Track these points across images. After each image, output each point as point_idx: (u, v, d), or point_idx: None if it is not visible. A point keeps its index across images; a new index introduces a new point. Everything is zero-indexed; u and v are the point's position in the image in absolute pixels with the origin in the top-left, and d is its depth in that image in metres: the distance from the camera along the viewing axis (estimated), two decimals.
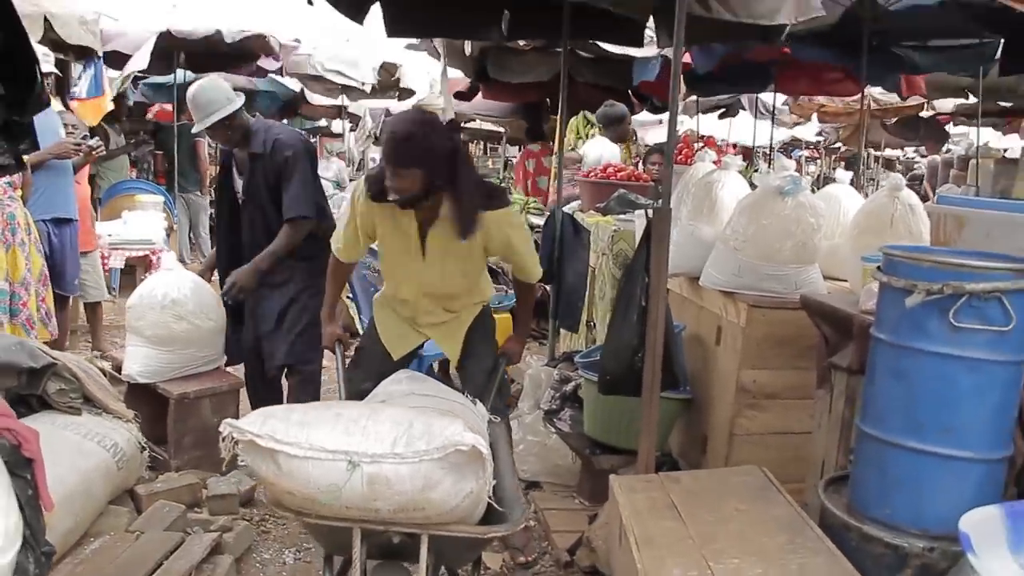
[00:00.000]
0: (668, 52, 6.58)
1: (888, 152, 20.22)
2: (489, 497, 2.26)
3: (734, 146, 16.07)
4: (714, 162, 4.40)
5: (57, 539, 2.74)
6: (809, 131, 16.17)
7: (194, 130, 4.10)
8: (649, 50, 6.91)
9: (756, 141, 16.15)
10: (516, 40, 6.46)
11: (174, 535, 3.11)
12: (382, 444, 2.05)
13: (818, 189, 5.02)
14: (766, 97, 11.10)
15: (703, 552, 1.99)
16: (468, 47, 7.41)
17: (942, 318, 1.91)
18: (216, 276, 4.39)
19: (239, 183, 4.14)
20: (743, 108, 12.25)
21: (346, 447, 2.05)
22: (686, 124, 12.54)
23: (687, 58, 6.45)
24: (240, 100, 3.96)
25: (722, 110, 12.39)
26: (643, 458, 3.06)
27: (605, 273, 5.09)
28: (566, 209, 5.58)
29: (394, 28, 4.72)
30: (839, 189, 4.24)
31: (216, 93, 3.92)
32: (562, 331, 5.38)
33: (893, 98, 9.79)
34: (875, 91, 9.40)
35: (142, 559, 2.88)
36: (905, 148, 19.46)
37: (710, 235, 3.93)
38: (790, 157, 21.37)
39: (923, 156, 18.40)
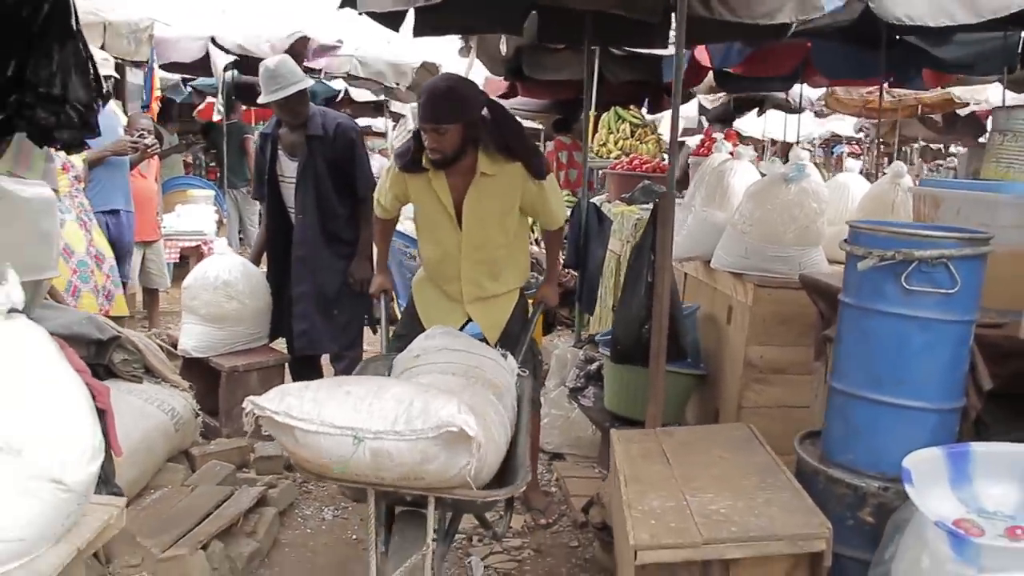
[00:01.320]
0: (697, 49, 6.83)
1: (934, 145, 20.13)
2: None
3: (773, 142, 16.20)
4: (730, 153, 4.63)
5: (125, 486, 3.07)
6: (848, 127, 16.20)
7: (272, 99, 4.17)
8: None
9: (794, 137, 16.25)
10: (544, 42, 6.71)
11: (224, 489, 3.45)
12: (384, 422, 2.24)
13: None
14: (804, 92, 11.22)
15: (682, 488, 2.25)
16: (503, 46, 7.67)
17: (896, 282, 2.16)
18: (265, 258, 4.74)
19: (288, 165, 4.38)
20: (779, 104, 12.31)
21: (352, 423, 2.24)
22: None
23: (705, 55, 6.64)
24: (310, 81, 4.30)
25: (757, 107, 12.49)
26: (650, 421, 3.32)
27: (626, 259, 5.33)
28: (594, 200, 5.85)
29: (421, 29, 4.99)
30: (848, 177, 4.46)
31: (294, 68, 4.25)
32: (589, 316, 5.64)
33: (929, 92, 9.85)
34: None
35: (196, 508, 3.22)
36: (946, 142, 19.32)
37: (722, 220, 4.17)
38: (831, 153, 21.33)
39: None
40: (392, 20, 4.58)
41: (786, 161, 4.04)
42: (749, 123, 14.44)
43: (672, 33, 5.47)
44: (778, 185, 3.80)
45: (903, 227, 2.28)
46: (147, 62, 7.22)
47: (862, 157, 22.41)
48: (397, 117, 15.79)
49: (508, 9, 5.07)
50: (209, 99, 10.69)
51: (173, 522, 3.07)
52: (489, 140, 3.31)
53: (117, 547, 2.68)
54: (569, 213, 5.98)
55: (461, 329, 3.54)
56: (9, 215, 3.30)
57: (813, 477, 2.35)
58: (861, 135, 17.04)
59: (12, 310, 1.92)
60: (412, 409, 2.26)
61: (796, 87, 9.36)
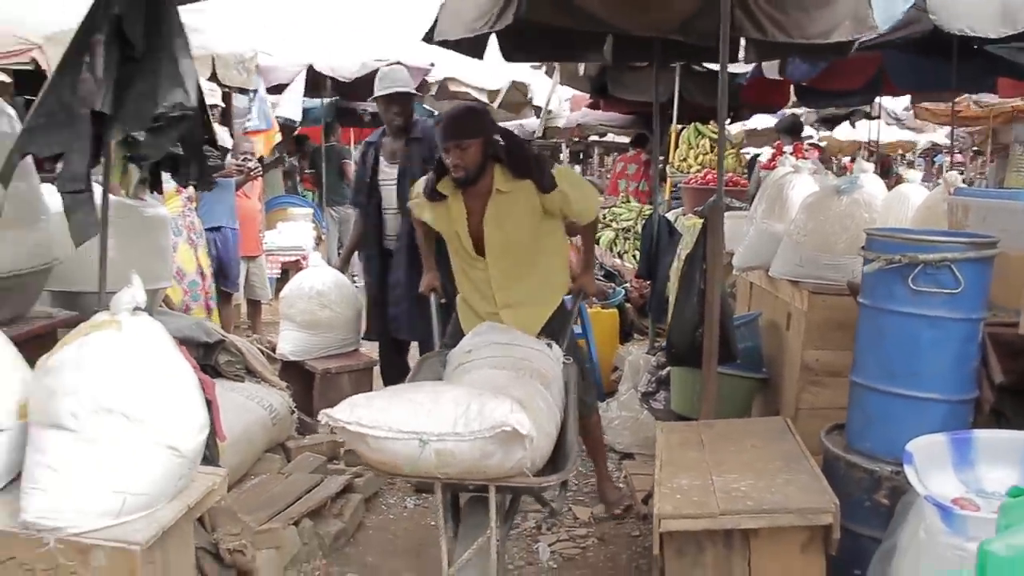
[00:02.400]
0: (764, 65, 6.97)
1: None
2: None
3: (870, 152, 15.98)
4: (792, 167, 4.80)
5: (228, 471, 3.48)
6: (943, 136, 15.84)
7: (383, 93, 4.63)
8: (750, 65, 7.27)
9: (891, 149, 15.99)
10: (619, 64, 6.96)
11: (316, 476, 3.83)
12: (445, 424, 2.48)
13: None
14: (889, 103, 11.14)
15: (711, 470, 2.49)
16: (581, 68, 7.98)
17: (904, 283, 2.36)
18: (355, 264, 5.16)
19: (387, 171, 4.70)
20: (867, 115, 12.21)
21: (417, 428, 2.48)
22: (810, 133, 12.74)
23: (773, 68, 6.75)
24: (414, 92, 4.86)
25: (847, 119, 12.41)
26: (703, 418, 3.54)
27: (683, 268, 5.53)
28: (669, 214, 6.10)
29: (510, 54, 5.32)
30: (909, 188, 4.56)
31: (406, 75, 4.82)
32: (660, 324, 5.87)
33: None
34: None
35: (290, 491, 3.61)
36: None
37: (780, 231, 4.36)
38: (933, 163, 20.79)
39: None
40: (474, 48, 4.96)
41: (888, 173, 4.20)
42: (846, 133, 14.34)
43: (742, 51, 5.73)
44: (831, 197, 3.98)
45: (910, 233, 2.48)
46: (255, 91, 7.81)
47: (965, 166, 21.80)
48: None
49: (585, 38, 5.37)
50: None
51: (270, 503, 3.46)
52: (503, 161, 3.56)
53: (221, 519, 3.06)
54: (642, 226, 6.26)
55: None
56: (133, 232, 3.80)
57: (835, 463, 2.55)
58: (955, 143, 16.62)
59: (136, 308, 2.32)
60: (469, 412, 2.49)
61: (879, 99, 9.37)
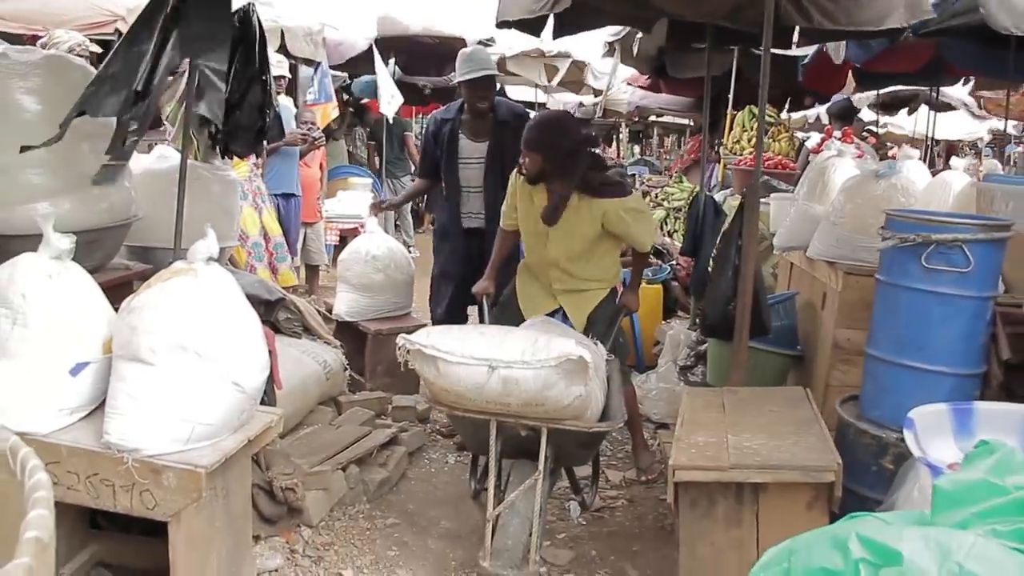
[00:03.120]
0: (828, 46, 6.99)
1: None
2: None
3: (936, 141, 15.73)
4: (838, 151, 4.89)
5: (283, 419, 3.76)
6: (1011, 125, 15.49)
7: (467, 78, 4.55)
8: (809, 48, 7.30)
9: (955, 136, 15.71)
10: (672, 44, 7.04)
11: (364, 428, 4.09)
12: (513, 353, 2.76)
13: None
14: (952, 91, 10.98)
15: (728, 430, 2.67)
16: (635, 48, 8.07)
17: (917, 261, 2.50)
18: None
19: (471, 147, 4.66)
20: (930, 102, 12.06)
21: (487, 355, 2.77)
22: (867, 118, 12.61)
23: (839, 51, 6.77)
24: (496, 71, 4.78)
25: (906, 107, 12.27)
26: (732, 386, 3.71)
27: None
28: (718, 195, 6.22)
29: (560, 31, 5.45)
30: (952, 175, 4.64)
31: (487, 56, 4.77)
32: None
33: None
34: None
35: (340, 440, 3.87)
36: None
37: (820, 213, 4.47)
38: (1003, 152, 20.33)
39: None
40: (533, 27, 5.12)
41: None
42: (904, 121, 14.15)
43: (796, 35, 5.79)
44: (870, 181, 4.08)
45: (925, 214, 2.61)
46: (319, 63, 8.09)
47: None
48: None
49: (640, 8, 5.47)
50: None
51: (320, 449, 3.73)
52: (582, 177, 3.75)
53: (276, 461, 3.33)
54: (688, 204, 6.39)
55: (553, 314, 4.02)
56: (202, 194, 4.07)
57: (845, 429, 2.71)
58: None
59: (210, 259, 2.58)
60: (537, 343, 2.78)
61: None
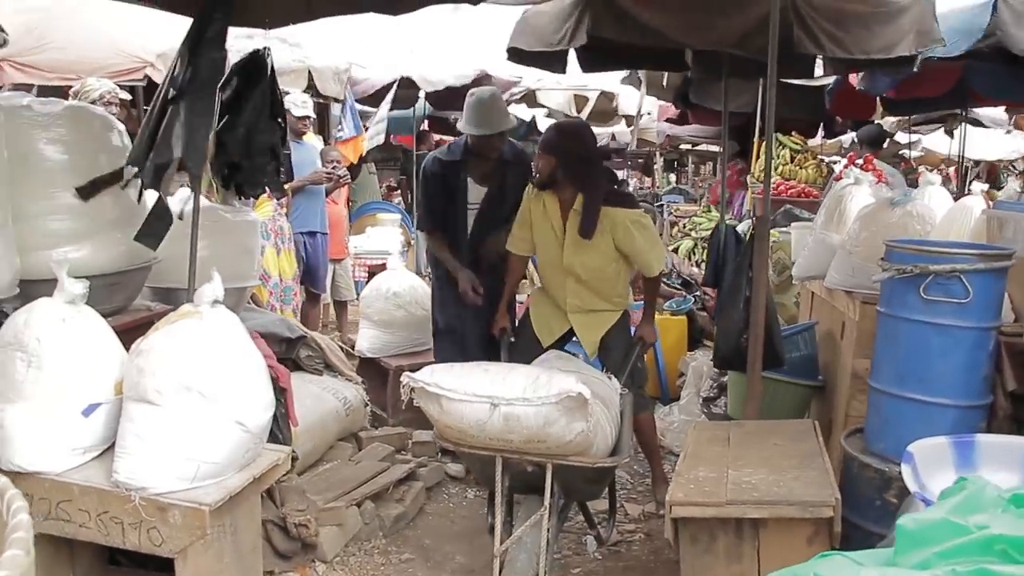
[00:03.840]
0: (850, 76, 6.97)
1: None
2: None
3: (976, 163, 15.47)
4: (856, 179, 4.86)
5: (301, 456, 3.82)
6: None
7: (481, 132, 4.30)
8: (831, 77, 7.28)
9: (995, 156, 15.44)
10: (696, 75, 7.08)
11: (383, 464, 4.13)
12: (515, 390, 2.77)
13: None
14: (990, 112, 10.81)
15: (729, 465, 2.66)
16: (665, 78, 8.12)
17: (916, 292, 2.48)
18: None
19: (476, 192, 4.49)
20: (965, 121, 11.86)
21: (490, 392, 2.78)
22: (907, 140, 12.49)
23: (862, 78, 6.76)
24: (515, 121, 4.67)
25: (945, 126, 12.11)
26: (748, 419, 3.69)
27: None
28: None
29: (588, 66, 5.51)
30: (973, 201, 4.57)
31: (503, 106, 4.50)
32: None
33: None
34: None
35: (357, 476, 3.91)
36: None
37: (836, 242, 4.45)
38: None
39: None
40: (556, 65, 5.20)
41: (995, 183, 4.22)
42: (937, 142, 13.96)
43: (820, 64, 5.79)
44: (884, 209, 4.06)
45: (923, 244, 2.60)
46: (345, 98, 8.25)
47: None
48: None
49: (662, 50, 5.51)
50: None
51: (337, 485, 3.77)
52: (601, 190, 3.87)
53: (290, 496, 3.39)
54: (710, 235, 6.38)
55: (563, 339, 4.12)
56: (224, 234, 4.17)
57: (850, 463, 2.69)
58: None
59: (216, 301, 2.65)
60: (539, 381, 2.79)
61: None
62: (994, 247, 2.50)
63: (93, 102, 4.82)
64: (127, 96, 5.40)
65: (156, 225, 3.14)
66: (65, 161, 3.26)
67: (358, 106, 8.80)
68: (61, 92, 5.39)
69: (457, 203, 4.52)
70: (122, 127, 3.65)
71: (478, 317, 4.42)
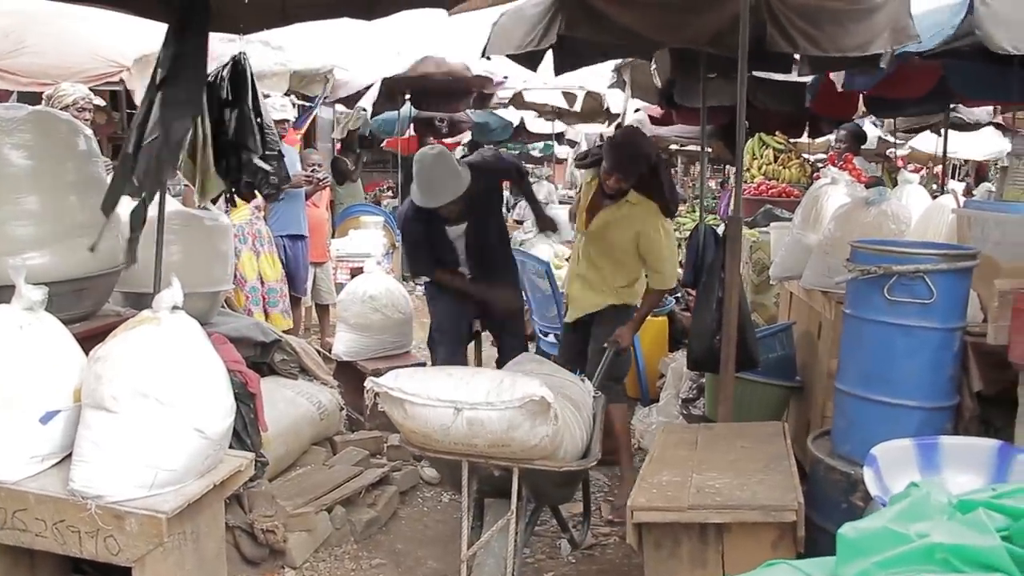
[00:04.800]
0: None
1: None
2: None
3: (965, 161, 15.49)
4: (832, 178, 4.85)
5: (273, 461, 3.78)
6: None
7: (430, 205, 4.21)
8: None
9: (981, 156, 15.45)
10: (675, 74, 7.06)
11: (356, 468, 4.09)
12: (479, 394, 2.71)
13: None
14: (977, 111, 10.78)
15: (694, 468, 2.63)
16: (656, 80, 8.09)
17: (880, 293, 2.46)
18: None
19: (454, 231, 4.45)
20: (954, 123, 11.85)
21: (453, 397, 2.72)
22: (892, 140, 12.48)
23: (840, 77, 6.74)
24: (467, 181, 4.23)
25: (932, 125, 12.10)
26: (720, 420, 3.66)
27: (744, 279, 5.64)
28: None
29: (562, 67, 5.49)
30: (948, 200, 4.57)
31: (453, 169, 4.23)
32: None
33: None
34: None
35: (330, 480, 3.88)
36: None
37: (813, 242, 4.44)
38: None
39: None
40: (529, 61, 5.18)
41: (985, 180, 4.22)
42: (925, 142, 13.95)
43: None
44: (859, 208, 4.05)
45: (887, 245, 2.58)
46: (318, 97, 8.20)
47: None
48: (573, 144, 16.68)
49: (631, 40, 5.48)
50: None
51: (309, 490, 3.74)
52: (641, 180, 4.13)
53: (259, 502, 3.35)
54: (688, 235, 6.36)
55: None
56: (196, 239, 4.14)
57: (816, 466, 2.67)
58: None
59: (175, 307, 2.62)
60: (502, 384, 2.74)
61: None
62: (958, 247, 2.49)
63: (66, 107, 4.79)
64: (102, 102, 5.36)
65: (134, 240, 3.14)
66: (30, 166, 3.24)
67: (340, 108, 8.78)
68: (39, 98, 5.36)
69: (442, 244, 4.48)
70: (89, 132, 3.62)
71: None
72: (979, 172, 17.18)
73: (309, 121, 8.29)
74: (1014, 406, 2.62)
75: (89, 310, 3.55)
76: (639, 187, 4.16)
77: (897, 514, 1.36)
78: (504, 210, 4.78)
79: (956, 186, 4.62)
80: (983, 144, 14.59)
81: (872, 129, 11.28)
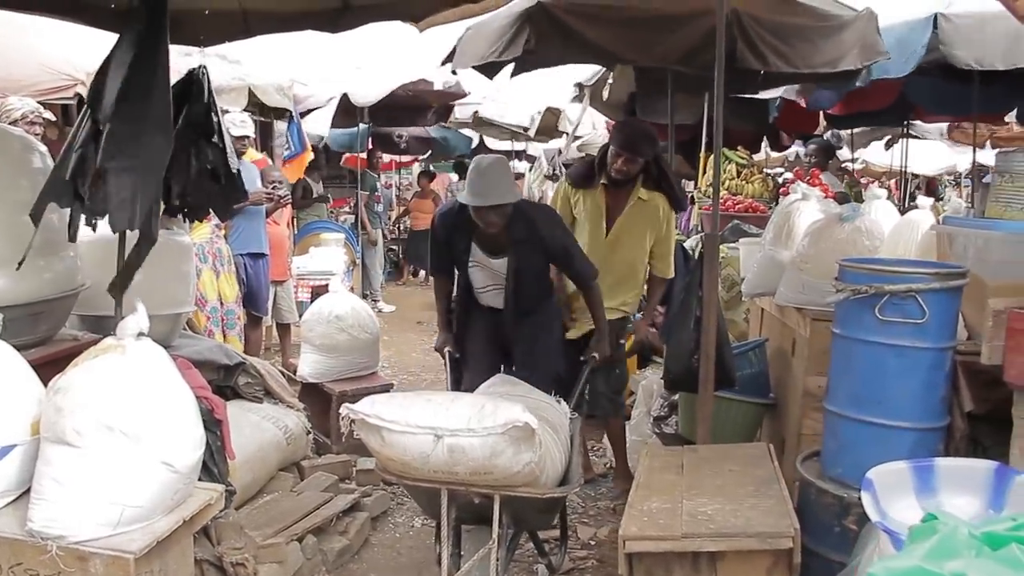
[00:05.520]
0: (788, 92, 7.01)
1: None
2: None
3: (914, 175, 15.76)
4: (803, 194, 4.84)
5: (240, 489, 3.64)
6: (990, 156, 15.52)
7: (474, 203, 3.67)
8: (777, 91, 7.32)
9: (932, 170, 15.76)
10: (642, 92, 7.06)
11: (325, 495, 3.97)
12: (460, 421, 2.61)
13: None
14: (923, 125, 11.02)
15: (683, 494, 2.57)
16: (606, 93, 8.09)
17: (871, 313, 2.43)
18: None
19: (488, 261, 3.95)
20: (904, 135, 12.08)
21: (433, 423, 2.63)
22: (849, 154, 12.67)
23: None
24: (518, 195, 3.88)
25: (887, 139, 12.31)
26: (700, 441, 3.61)
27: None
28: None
29: (519, 69, 5.40)
30: (919, 215, 4.58)
31: (509, 178, 3.84)
32: None
33: None
34: None
35: (299, 508, 3.75)
36: None
37: (786, 258, 4.41)
38: (981, 183, 20.42)
39: None
40: (487, 70, 5.13)
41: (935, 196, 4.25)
42: (877, 155, 14.19)
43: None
44: (833, 224, 4.03)
45: (877, 264, 2.55)
46: (290, 112, 8.08)
47: None
48: (532, 159, 16.69)
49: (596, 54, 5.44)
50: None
51: (277, 519, 3.60)
52: (648, 175, 4.26)
53: (227, 534, 3.21)
54: None
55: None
56: (157, 260, 3.96)
57: (807, 489, 2.62)
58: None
59: (140, 334, 2.49)
60: (484, 410, 2.65)
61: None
62: (948, 265, 2.46)
63: (14, 122, 4.60)
64: (52, 116, 5.17)
65: (126, 275, 3.04)
66: None
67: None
68: None
69: (460, 263, 4.04)
70: (44, 149, 3.46)
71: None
72: (929, 186, 17.55)
73: (307, 148, 8.22)
74: (1003, 425, 2.59)
75: (45, 335, 3.39)
76: (646, 183, 4.25)
77: (928, 552, 1.30)
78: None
79: (924, 201, 4.62)
80: (934, 159, 14.93)
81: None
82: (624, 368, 4.56)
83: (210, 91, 3.75)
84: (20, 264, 3.01)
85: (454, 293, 4.21)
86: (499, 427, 2.59)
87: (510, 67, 5.10)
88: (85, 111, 3.04)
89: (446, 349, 4.07)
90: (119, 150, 2.85)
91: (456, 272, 4.12)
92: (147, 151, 2.89)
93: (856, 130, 10.96)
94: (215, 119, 3.66)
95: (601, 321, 4.02)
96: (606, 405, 4.48)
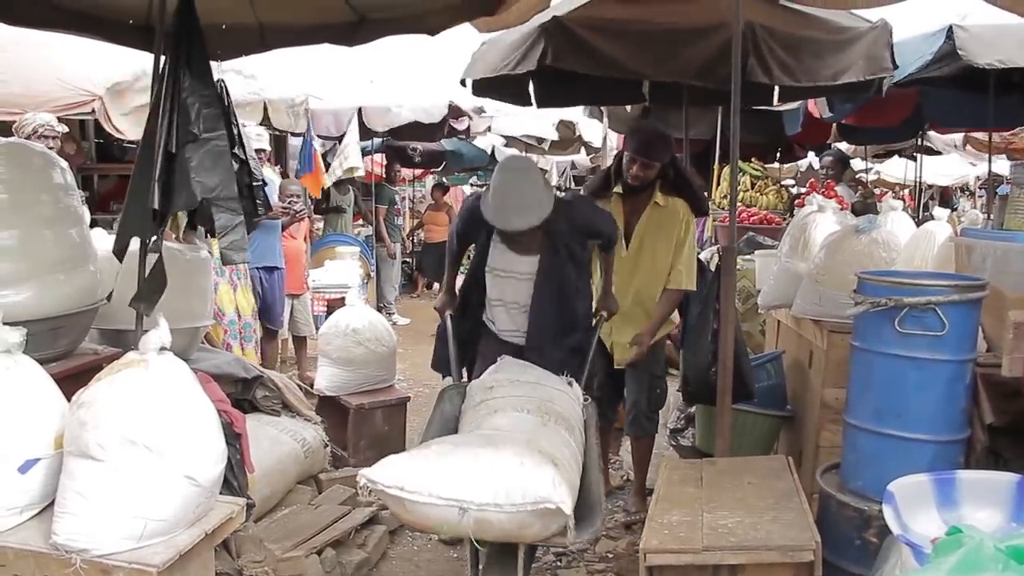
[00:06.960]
0: (809, 103, 7.01)
1: None
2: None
3: (929, 186, 15.69)
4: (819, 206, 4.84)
5: (259, 502, 3.66)
6: (1004, 166, 15.45)
7: (505, 228, 3.47)
8: (793, 104, 7.32)
9: (947, 181, 15.71)
10: (655, 105, 7.08)
11: (344, 508, 3.97)
12: (486, 494, 2.44)
13: None
14: (937, 137, 10.98)
15: (703, 507, 2.56)
16: (629, 107, 8.11)
17: (891, 326, 2.42)
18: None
19: (514, 260, 3.67)
20: (919, 149, 12.07)
21: (457, 496, 2.45)
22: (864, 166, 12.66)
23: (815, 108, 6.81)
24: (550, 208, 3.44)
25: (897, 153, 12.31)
26: (719, 455, 3.60)
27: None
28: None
29: (543, 101, 5.46)
30: (936, 226, 4.57)
31: (541, 188, 3.49)
32: None
33: None
34: None
35: (317, 522, 3.76)
36: None
37: (802, 270, 4.41)
38: (995, 194, 20.33)
39: None
40: (515, 97, 5.17)
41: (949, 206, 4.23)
42: (891, 166, 14.17)
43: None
44: (850, 236, 4.04)
45: (897, 276, 2.55)
46: (305, 133, 8.15)
47: None
48: (543, 172, 16.73)
49: (619, 84, 5.48)
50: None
51: (296, 532, 3.61)
52: (665, 180, 4.18)
53: (246, 547, 3.23)
54: None
55: None
56: (176, 274, 3.99)
57: (827, 502, 2.61)
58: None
59: (163, 348, 2.51)
60: (511, 483, 2.46)
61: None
62: (967, 277, 2.46)
63: (28, 136, 4.65)
64: (65, 128, 5.22)
65: (150, 288, 3.09)
66: (4, 200, 3.11)
67: (319, 139, 8.71)
68: (7, 127, 5.22)
69: (479, 265, 3.80)
70: (65, 164, 3.49)
71: None
72: (943, 197, 17.46)
73: (318, 166, 8.26)
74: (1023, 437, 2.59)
75: (66, 349, 3.42)
76: (664, 188, 4.18)
77: (954, 567, 1.30)
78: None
79: (940, 212, 4.61)
80: (949, 170, 14.88)
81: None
82: (664, 387, 4.48)
83: (230, 103, 3.79)
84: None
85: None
86: (528, 504, 2.44)
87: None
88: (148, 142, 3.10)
89: (448, 312, 3.82)
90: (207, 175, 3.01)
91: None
92: (228, 173, 2.95)
93: (873, 149, 10.97)
94: (235, 131, 3.70)
95: (610, 283, 4.02)
96: (646, 424, 4.41)
